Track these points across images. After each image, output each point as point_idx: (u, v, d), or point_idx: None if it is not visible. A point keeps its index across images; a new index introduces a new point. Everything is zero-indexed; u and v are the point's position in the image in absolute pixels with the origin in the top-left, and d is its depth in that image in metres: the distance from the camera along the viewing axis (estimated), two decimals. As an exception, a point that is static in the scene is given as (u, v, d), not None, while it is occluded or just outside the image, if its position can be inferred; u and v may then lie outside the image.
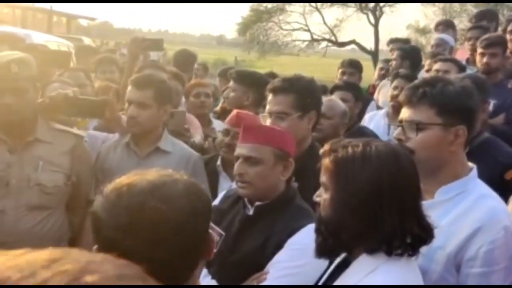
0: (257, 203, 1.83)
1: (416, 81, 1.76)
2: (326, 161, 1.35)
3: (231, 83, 3.15)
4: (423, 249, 1.39)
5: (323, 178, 1.36)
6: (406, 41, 5.52)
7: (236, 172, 1.83)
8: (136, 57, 3.16)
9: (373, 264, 1.29)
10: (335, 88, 3.47)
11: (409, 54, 4.70)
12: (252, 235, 1.76)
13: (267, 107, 2.23)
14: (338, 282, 1.37)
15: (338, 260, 1.44)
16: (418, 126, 1.59)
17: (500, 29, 4.47)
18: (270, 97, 2.22)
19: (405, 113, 1.65)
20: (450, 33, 4.89)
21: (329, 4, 25.06)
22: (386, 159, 1.30)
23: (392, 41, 5.48)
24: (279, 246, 1.69)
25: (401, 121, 1.66)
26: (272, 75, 4.43)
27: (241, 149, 1.84)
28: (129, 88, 2.43)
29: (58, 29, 23.66)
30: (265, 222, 1.79)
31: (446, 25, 5.18)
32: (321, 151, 1.40)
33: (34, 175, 2.20)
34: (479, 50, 3.64)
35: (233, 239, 1.78)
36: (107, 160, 2.48)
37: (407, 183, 1.32)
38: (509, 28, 3.93)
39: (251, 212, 1.84)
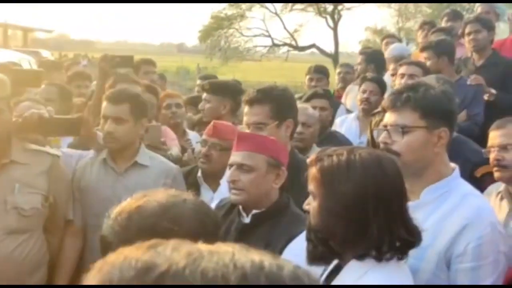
0: (254, 211, 1.86)
1: (398, 87, 1.82)
2: (313, 170, 1.38)
3: (205, 95, 3.13)
4: (413, 249, 1.43)
5: (311, 186, 1.38)
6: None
7: (229, 179, 1.87)
8: (106, 74, 3.11)
9: (362, 269, 1.32)
10: (315, 95, 3.47)
11: (373, 57, 4.83)
12: (250, 243, 1.76)
13: (245, 118, 2.26)
14: None
15: (330, 267, 1.46)
16: (404, 130, 1.65)
17: (459, 31, 4.64)
18: (246, 108, 2.26)
19: (390, 117, 1.70)
20: (459, 24, 4.94)
21: (288, 9, 25.33)
22: (370, 166, 1.33)
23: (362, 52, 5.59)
24: (278, 253, 1.69)
25: (385, 126, 1.71)
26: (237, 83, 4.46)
27: (234, 157, 1.88)
28: (104, 104, 2.40)
29: (14, 42, 22.99)
30: (263, 229, 1.83)
31: (454, 16, 5.16)
32: (308, 160, 1.42)
33: (11, 198, 2.14)
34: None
35: None
36: (84, 178, 2.43)
37: (392, 188, 1.35)
38: (467, 30, 4.10)
39: (247, 220, 1.87)
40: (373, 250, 1.31)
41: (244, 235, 1.82)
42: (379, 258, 1.31)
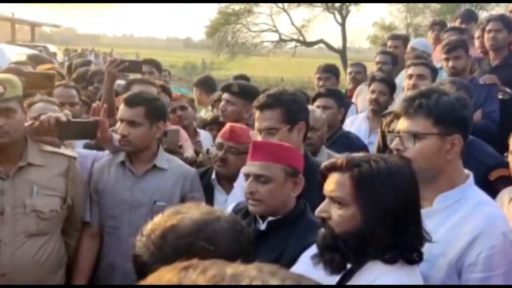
0: (270, 218, 1.85)
1: (412, 93, 1.81)
2: (344, 176, 1.38)
3: (228, 96, 3.05)
4: (424, 256, 1.44)
5: (339, 193, 1.38)
6: (406, 38, 5.52)
7: (247, 191, 1.85)
8: (114, 79, 3.09)
9: (375, 274, 1.34)
10: (318, 95, 3.47)
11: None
12: (264, 250, 1.77)
13: (256, 124, 2.24)
14: None
15: (342, 272, 1.46)
16: (416, 136, 1.65)
17: (480, 27, 4.60)
18: (257, 114, 2.23)
19: (402, 124, 1.70)
20: (473, 25, 4.90)
21: (296, 4, 25.23)
22: (405, 173, 1.39)
23: (393, 37, 5.45)
24: (292, 261, 1.70)
25: (398, 132, 1.71)
26: (243, 78, 4.41)
27: (251, 167, 1.86)
28: (121, 106, 2.41)
29: (22, 37, 23.10)
30: (278, 237, 1.82)
31: (468, 18, 5.05)
32: (328, 166, 1.42)
33: (29, 201, 2.16)
34: (443, 55, 3.77)
35: None
36: (102, 180, 2.44)
37: (418, 194, 1.43)
38: (488, 28, 4.05)
39: (263, 227, 1.86)
40: (406, 253, 1.36)
41: (259, 242, 1.79)
42: (411, 261, 1.37)
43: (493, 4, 20.54)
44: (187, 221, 0.97)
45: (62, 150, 2.38)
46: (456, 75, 3.63)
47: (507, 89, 3.74)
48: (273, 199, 1.82)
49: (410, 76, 3.48)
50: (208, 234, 0.95)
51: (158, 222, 0.99)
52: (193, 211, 1.00)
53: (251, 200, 1.84)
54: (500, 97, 3.70)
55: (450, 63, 3.69)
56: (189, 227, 0.96)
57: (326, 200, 1.44)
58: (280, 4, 25.08)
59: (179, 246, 0.91)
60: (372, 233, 1.35)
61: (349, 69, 5.11)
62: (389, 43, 5.15)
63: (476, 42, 4.32)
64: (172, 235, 0.95)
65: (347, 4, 24.90)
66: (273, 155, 1.84)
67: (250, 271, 0.54)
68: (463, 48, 3.73)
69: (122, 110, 2.39)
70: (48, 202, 2.21)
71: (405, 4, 26.66)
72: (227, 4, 25.69)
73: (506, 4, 5.13)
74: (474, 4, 20.31)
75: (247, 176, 1.87)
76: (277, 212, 1.86)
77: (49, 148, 2.31)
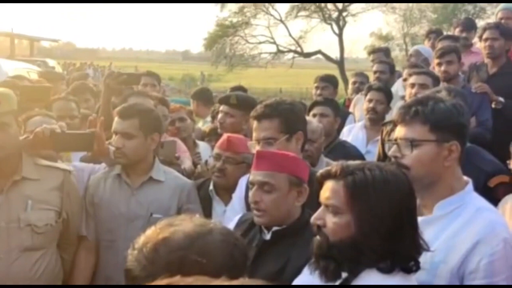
0: (274, 228, 1.84)
1: (409, 101, 1.82)
2: (338, 184, 1.37)
3: (226, 108, 3.00)
4: (425, 264, 1.44)
5: (333, 201, 1.37)
6: (387, 49, 5.62)
7: (252, 200, 1.84)
8: (112, 91, 3.07)
9: (371, 283, 1.32)
10: (315, 104, 3.49)
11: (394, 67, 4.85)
12: (269, 259, 1.78)
13: (254, 134, 2.23)
14: None
15: (339, 281, 1.44)
16: (413, 143, 1.64)
17: (477, 35, 4.62)
18: (255, 124, 2.22)
19: (399, 131, 1.70)
20: (473, 34, 4.96)
21: (293, 16, 25.38)
22: (401, 182, 1.38)
23: (374, 50, 5.59)
24: (297, 272, 1.66)
25: (396, 139, 1.71)
26: (240, 89, 4.43)
27: (255, 176, 1.85)
28: (115, 118, 2.40)
29: (21, 52, 23.15)
30: (283, 247, 1.80)
31: (469, 27, 5.05)
32: (324, 173, 1.41)
33: (24, 215, 2.13)
34: (435, 60, 3.80)
35: (250, 264, 1.77)
36: (98, 193, 2.42)
37: (415, 203, 1.41)
38: (484, 36, 4.08)
39: (268, 236, 1.85)
40: (402, 262, 1.35)
41: (264, 252, 1.80)
42: (407, 270, 1.35)
43: (489, 12, 20.70)
44: (179, 234, 0.94)
45: (58, 164, 2.37)
46: (448, 80, 3.66)
47: (500, 98, 3.75)
48: (277, 208, 1.81)
49: (412, 85, 3.48)
50: (200, 247, 0.93)
51: (150, 235, 0.96)
52: (186, 224, 0.97)
53: (256, 210, 1.83)
54: (493, 106, 3.71)
55: (443, 68, 3.74)
56: (181, 240, 0.93)
57: (322, 208, 1.43)
58: (277, 16, 25.26)
59: (171, 259, 0.89)
60: (366, 242, 1.33)
61: (353, 79, 5.17)
62: (371, 57, 5.28)
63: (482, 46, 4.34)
64: (164, 249, 0.92)
65: (344, 15, 25.05)
66: (277, 165, 1.83)
67: None
68: (455, 54, 3.76)
69: (116, 122, 2.38)
70: (43, 216, 2.18)
71: (401, 14, 26.87)
72: (225, 16, 25.89)
73: (495, 13, 5.16)
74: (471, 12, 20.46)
75: (251, 185, 1.86)
76: (282, 222, 1.84)
77: (44, 162, 2.29)
